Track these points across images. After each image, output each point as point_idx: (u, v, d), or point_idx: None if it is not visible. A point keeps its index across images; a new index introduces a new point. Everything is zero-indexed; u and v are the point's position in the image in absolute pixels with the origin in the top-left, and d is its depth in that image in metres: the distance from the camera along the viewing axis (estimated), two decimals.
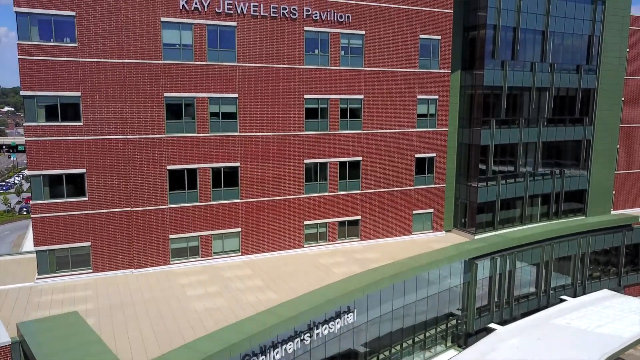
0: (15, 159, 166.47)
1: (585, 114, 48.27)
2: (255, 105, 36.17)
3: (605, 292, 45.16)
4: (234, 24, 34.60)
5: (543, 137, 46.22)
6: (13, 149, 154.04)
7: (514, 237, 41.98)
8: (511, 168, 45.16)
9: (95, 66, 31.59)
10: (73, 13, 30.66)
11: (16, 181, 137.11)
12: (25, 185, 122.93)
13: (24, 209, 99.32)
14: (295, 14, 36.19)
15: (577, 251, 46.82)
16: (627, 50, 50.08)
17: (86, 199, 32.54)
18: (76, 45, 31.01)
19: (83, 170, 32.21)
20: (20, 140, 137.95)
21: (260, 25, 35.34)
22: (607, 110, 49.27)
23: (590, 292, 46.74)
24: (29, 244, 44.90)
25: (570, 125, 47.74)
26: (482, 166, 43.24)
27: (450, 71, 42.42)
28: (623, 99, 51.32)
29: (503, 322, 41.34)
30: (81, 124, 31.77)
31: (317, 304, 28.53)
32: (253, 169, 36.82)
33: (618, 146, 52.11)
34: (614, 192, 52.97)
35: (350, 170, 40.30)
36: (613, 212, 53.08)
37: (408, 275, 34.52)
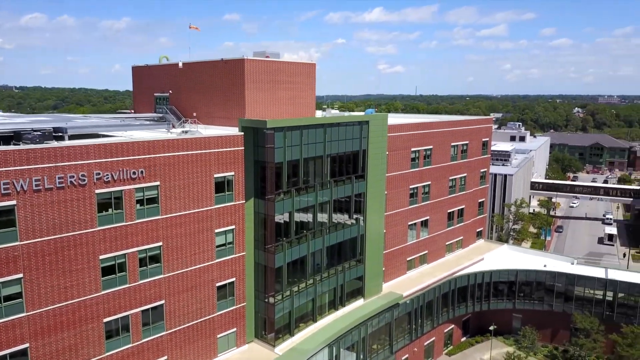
0: None
1: (359, 214, 56.34)
2: (44, 279, 33.85)
3: None
4: (14, 202, 31.80)
5: (327, 243, 52.64)
6: None
7: (308, 349, 47.14)
8: (303, 278, 50.38)
9: None
10: None
11: None
12: None
13: None
14: (84, 180, 34.79)
15: (359, 337, 54.67)
16: (387, 153, 59.79)
17: None
18: None
19: None
20: None
21: (45, 198, 33.11)
22: (374, 207, 58.17)
23: None
24: None
25: (348, 227, 55.24)
26: (277, 283, 47.45)
27: (244, 201, 45.43)
28: (386, 192, 61.10)
29: None
30: None
31: None
32: (46, 345, 34.41)
33: (385, 231, 61.95)
34: (384, 269, 62.86)
35: (154, 316, 40.40)
36: (384, 285, 62.97)
37: None
